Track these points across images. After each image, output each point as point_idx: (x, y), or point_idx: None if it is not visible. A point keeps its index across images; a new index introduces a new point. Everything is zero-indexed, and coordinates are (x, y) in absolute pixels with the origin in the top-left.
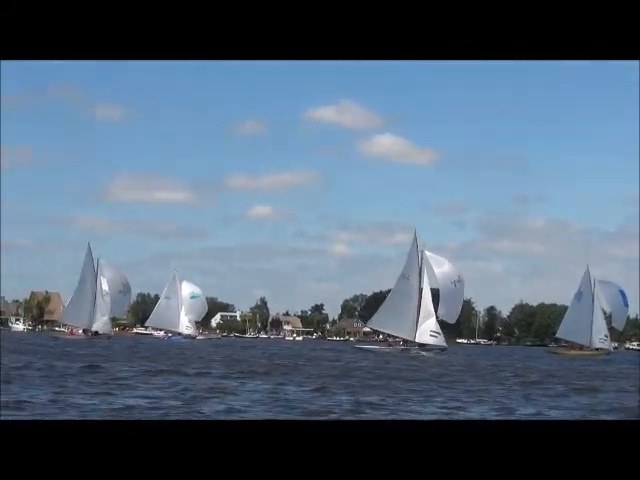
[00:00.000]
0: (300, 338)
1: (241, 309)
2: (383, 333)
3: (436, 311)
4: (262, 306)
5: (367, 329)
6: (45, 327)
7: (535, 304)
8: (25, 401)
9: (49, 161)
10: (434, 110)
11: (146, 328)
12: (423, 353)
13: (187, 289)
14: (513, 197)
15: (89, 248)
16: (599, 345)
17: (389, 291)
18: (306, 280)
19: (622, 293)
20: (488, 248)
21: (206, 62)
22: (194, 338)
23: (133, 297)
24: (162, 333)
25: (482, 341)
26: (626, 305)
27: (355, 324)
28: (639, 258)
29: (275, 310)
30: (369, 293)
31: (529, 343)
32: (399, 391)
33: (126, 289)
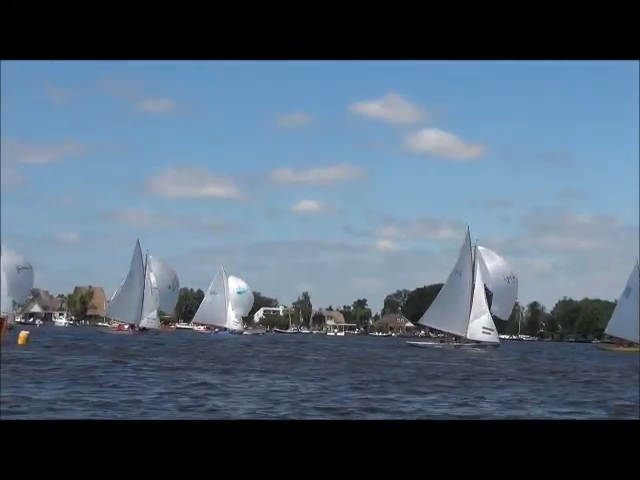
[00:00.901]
0: (342, 333)
1: (284, 304)
2: (425, 329)
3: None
4: (305, 301)
5: (410, 324)
6: (88, 322)
7: (579, 300)
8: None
9: (95, 155)
10: (480, 105)
11: (188, 323)
12: (479, 349)
13: (234, 284)
14: (558, 192)
15: (138, 243)
16: None
17: (432, 287)
18: (351, 275)
19: None
20: (533, 243)
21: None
22: (241, 333)
23: None
24: (202, 328)
25: (524, 337)
26: None
27: (398, 319)
28: None
29: (319, 305)
30: (413, 289)
31: (572, 339)
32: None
33: (175, 284)
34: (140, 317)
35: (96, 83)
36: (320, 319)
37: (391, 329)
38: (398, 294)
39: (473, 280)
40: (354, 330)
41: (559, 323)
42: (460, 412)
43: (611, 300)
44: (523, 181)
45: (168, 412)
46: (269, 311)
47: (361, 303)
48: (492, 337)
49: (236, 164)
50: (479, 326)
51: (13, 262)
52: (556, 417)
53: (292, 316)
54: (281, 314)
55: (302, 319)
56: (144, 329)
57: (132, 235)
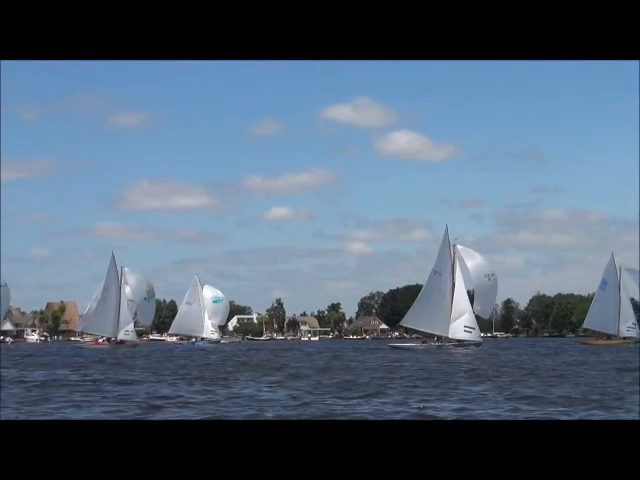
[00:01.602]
0: (316, 338)
1: (258, 311)
2: (400, 330)
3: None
4: (278, 307)
5: (384, 327)
6: (60, 337)
7: (553, 295)
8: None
9: (67, 171)
10: (448, 106)
11: (161, 334)
12: (459, 349)
13: (209, 293)
14: (531, 189)
15: (112, 256)
16: (626, 334)
17: (406, 288)
18: (325, 280)
19: None
20: (507, 241)
21: (220, 64)
22: (218, 342)
23: None
24: (175, 339)
25: (499, 334)
26: None
27: (372, 322)
28: None
29: (294, 311)
30: (387, 291)
31: (547, 334)
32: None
33: (151, 295)
34: (117, 330)
35: (66, 99)
36: (294, 325)
37: (365, 332)
38: (372, 296)
39: (453, 279)
40: (328, 335)
41: (533, 319)
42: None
43: (584, 294)
44: (495, 180)
45: None
46: (243, 319)
47: (335, 307)
48: (474, 335)
49: (207, 173)
50: (461, 325)
51: None
52: (556, 417)
53: (266, 323)
54: (255, 321)
55: (276, 325)
56: (121, 342)
57: (106, 250)
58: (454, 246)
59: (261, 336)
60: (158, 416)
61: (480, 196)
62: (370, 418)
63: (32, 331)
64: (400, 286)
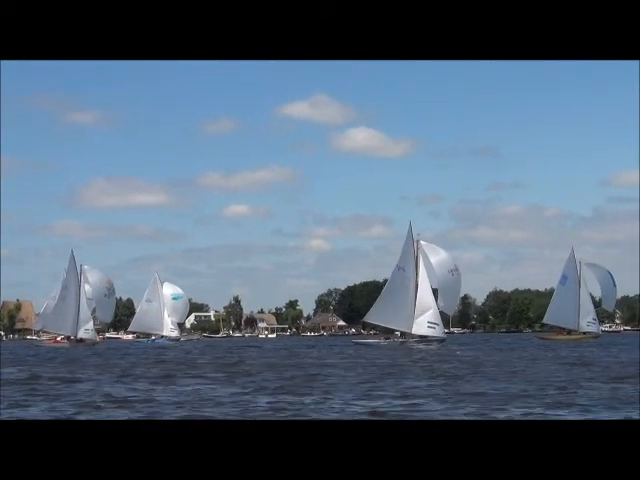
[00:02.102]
0: (273, 335)
1: (216, 309)
2: (358, 327)
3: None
4: (236, 305)
5: (342, 323)
6: (16, 336)
7: (510, 290)
8: None
9: (23, 170)
10: (406, 102)
11: (117, 332)
12: (420, 346)
13: (169, 290)
14: (488, 185)
15: (72, 254)
16: (586, 329)
17: (363, 284)
18: (283, 277)
19: (610, 274)
20: (465, 236)
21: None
22: (178, 340)
23: None
24: (131, 337)
25: (456, 330)
26: (614, 286)
27: (330, 318)
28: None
29: (254, 308)
30: (346, 287)
31: (504, 330)
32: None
33: (111, 292)
34: (77, 328)
35: (22, 98)
36: (252, 322)
37: (323, 328)
38: (329, 293)
39: (417, 275)
40: (286, 332)
41: (490, 314)
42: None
43: (541, 289)
44: (453, 176)
45: None
46: (200, 316)
47: (292, 304)
48: (437, 331)
49: (165, 171)
50: (425, 321)
51: None
52: (555, 417)
53: (223, 320)
54: (212, 319)
55: (233, 323)
56: (81, 340)
57: (63, 248)
58: (417, 242)
59: (218, 333)
60: (91, 416)
61: (438, 192)
62: (370, 418)
63: None
64: (355, 282)
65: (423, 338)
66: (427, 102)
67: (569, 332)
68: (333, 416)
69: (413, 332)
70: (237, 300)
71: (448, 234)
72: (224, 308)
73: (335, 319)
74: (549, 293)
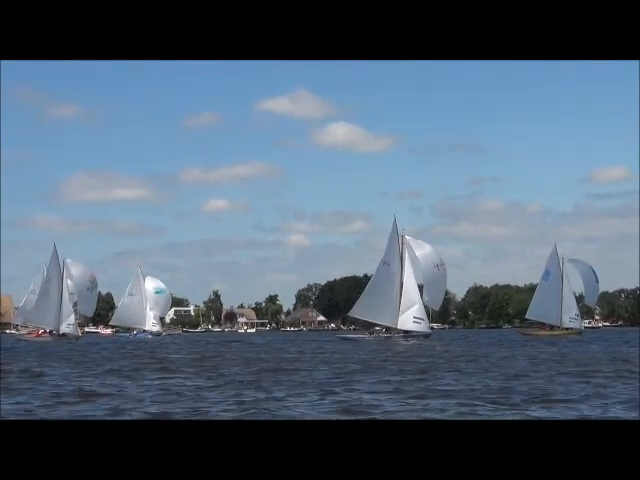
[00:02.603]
0: (253, 330)
1: (196, 303)
2: (337, 322)
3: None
4: (216, 299)
5: (322, 318)
6: None
7: (490, 286)
8: None
9: (3, 164)
10: (386, 98)
11: (97, 327)
12: (403, 342)
13: (151, 284)
14: (468, 181)
15: (54, 248)
16: (569, 325)
17: (343, 279)
18: (263, 272)
19: (593, 270)
20: (445, 232)
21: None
22: (160, 334)
23: None
24: (109, 331)
25: (435, 325)
26: (597, 282)
27: (310, 314)
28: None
29: (233, 303)
30: (326, 282)
31: (483, 326)
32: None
33: (93, 285)
34: (59, 322)
35: (1, 93)
36: (232, 317)
37: (303, 323)
38: (309, 288)
39: (402, 270)
40: (266, 326)
41: (470, 310)
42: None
43: (520, 285)
44: (433, 172)
45: None
46: (180, 311)
47: (272, 299)
48: (423, 327)
49: (145, 166)
50: (410, 316)
51: None
52: (556, 417)
53: (203, 315)
54: (192, 314)
55: (213, 317)
56: (64, 335)
57: (43, 242)
58: (402, 237)
59: (197, 328)
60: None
61: (419, 188)
62: (370, 418)
63: None
64: (335, 277)
65: (408, 333)
66: (407, 98)
67: (551, 327)
68: (300, 411)
69: (399, 327)
70: (217, 295)
71: (429, 230)
72: (204, 303)
73: (315, 314)
74: (529, 289)
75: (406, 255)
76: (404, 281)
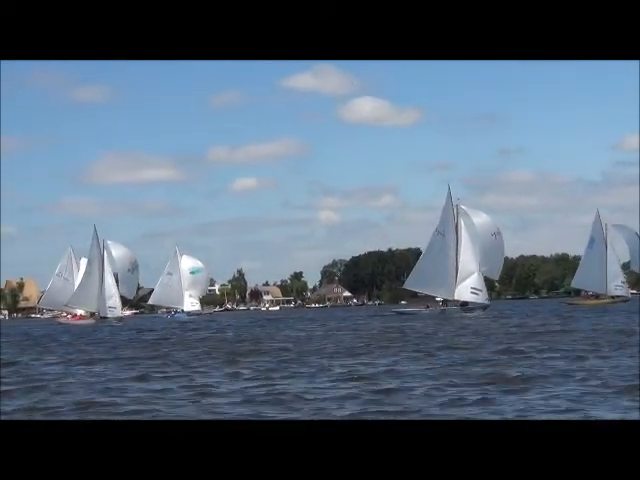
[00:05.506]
0: (276, 308)
1: (222, 282)
2: (360, 298)
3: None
4: (240, 278)
5: (347, 294)
6: (20, 315)
7: (515, 257)
8: None
9: (32, 148)
10: (409, 70)
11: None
12: (461, 314)
13: (188, 264)
14: (496, 151)
15: (95, 230)
16: (615, 292)
17: (368, 254)
18: (295, 250)
19: (638, 235)
20: (475, 204)
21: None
22: (199, 314)
23: None
24: (129, 313)
25: None
26: None
27: (335, 289)
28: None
29: (263, 281)
30: (350, 257)
31: (509, 297)
32: None
33: (134, 267)
34: (103, 305)
35: (25, 76)
36: (257, 295)
37: (329, 300)
38: (334, 264)
39: (457, 240)
40: (290, 303)
41: (496, 281)
42: None
43: (547, 255)
44: (460, 143)
45: None
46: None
47: (297, 276)
48: (481, 297)
49: (172, 146)
50: (467, 287)
51: None
52: (556, 417)
53: (228, 294)
54: (217, 292)
55: (238, 296)
56: (104, 317)
57: (74, 225)
58: (457, 206)
59: (222, 307)
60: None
61: (446, 160)
62: (369, 418)
63: None
64: (360, 253)
65: (464, 305)
66: (431, 69)
67: (597, 296)
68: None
69: (455, 298)
70: (241, 273)
71: (458, 202)
72: (228, 282)
73: (340, 290)
74: (555, 259)
75: (461, 224)
76: (460, 251)
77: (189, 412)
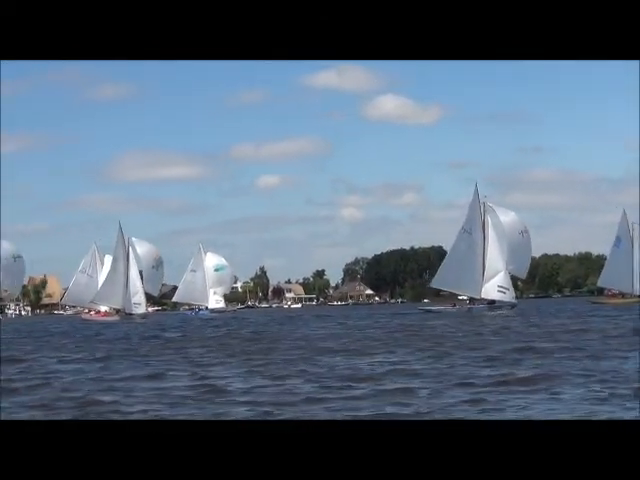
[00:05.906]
0: (298, 305)
1: (244, 280)
2: (383, 295)
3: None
4: (262, 275)
5: (369, 292)
6: (42, 311)
7: (538, 256)
8: None
9: (53, 145)
10: (431, 67)
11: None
12: (489, 312)
13: (212, 261)
14: (519, 149)
15: (120, 226)
16: None
17: (390, 252)
18: (318, 247)
19: None
20: (498, 202)
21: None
22: (223, 311)
23: None
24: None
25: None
26: None
27: (357, 287)
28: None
29: (286, 279)
30: (373, 255)
31: (532, 295)
32: None
33: (158, 264)
34: (128, 302)
35: (43, 74)
36: (279, 292)
37: (351, 297)
38: (356, 262)
39: (484, 237)
40: (312, 301)
41: (519, 280)
42: None
43: (570, 254)
44: (482, 142)
45: None
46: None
47: (320, 274)
48: (508, 296)
49: (196, 144)
50: (494, 285)
51: (9, 250)
52: (556, 417)
53: (250, 292)
54: (240, 290)
55: (260, 294)
56: (130, 314)
57: (94, 223)
58: (484, 204)
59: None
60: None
61: (469, 158)
62: (369, 418)
63: (16, 305)
64: (382, 251)
65: (491, 303)
66: (453, 67)
67: (623, 295)
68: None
69: (482, 296)
70: (263, 271)
71: (485, 200)
72: (250, 279)
73: (362, 288)
74: (578, 258)
75: (489, 222)
76: (487, 249)
77: (194, 411)
